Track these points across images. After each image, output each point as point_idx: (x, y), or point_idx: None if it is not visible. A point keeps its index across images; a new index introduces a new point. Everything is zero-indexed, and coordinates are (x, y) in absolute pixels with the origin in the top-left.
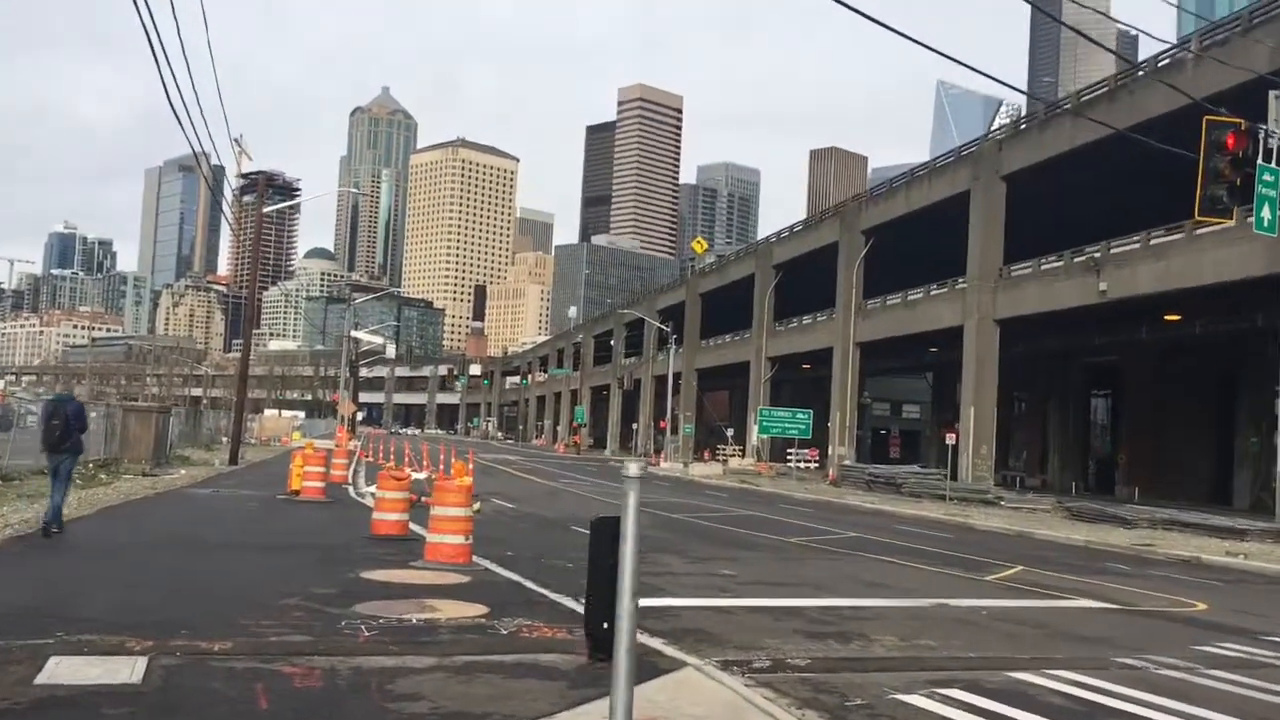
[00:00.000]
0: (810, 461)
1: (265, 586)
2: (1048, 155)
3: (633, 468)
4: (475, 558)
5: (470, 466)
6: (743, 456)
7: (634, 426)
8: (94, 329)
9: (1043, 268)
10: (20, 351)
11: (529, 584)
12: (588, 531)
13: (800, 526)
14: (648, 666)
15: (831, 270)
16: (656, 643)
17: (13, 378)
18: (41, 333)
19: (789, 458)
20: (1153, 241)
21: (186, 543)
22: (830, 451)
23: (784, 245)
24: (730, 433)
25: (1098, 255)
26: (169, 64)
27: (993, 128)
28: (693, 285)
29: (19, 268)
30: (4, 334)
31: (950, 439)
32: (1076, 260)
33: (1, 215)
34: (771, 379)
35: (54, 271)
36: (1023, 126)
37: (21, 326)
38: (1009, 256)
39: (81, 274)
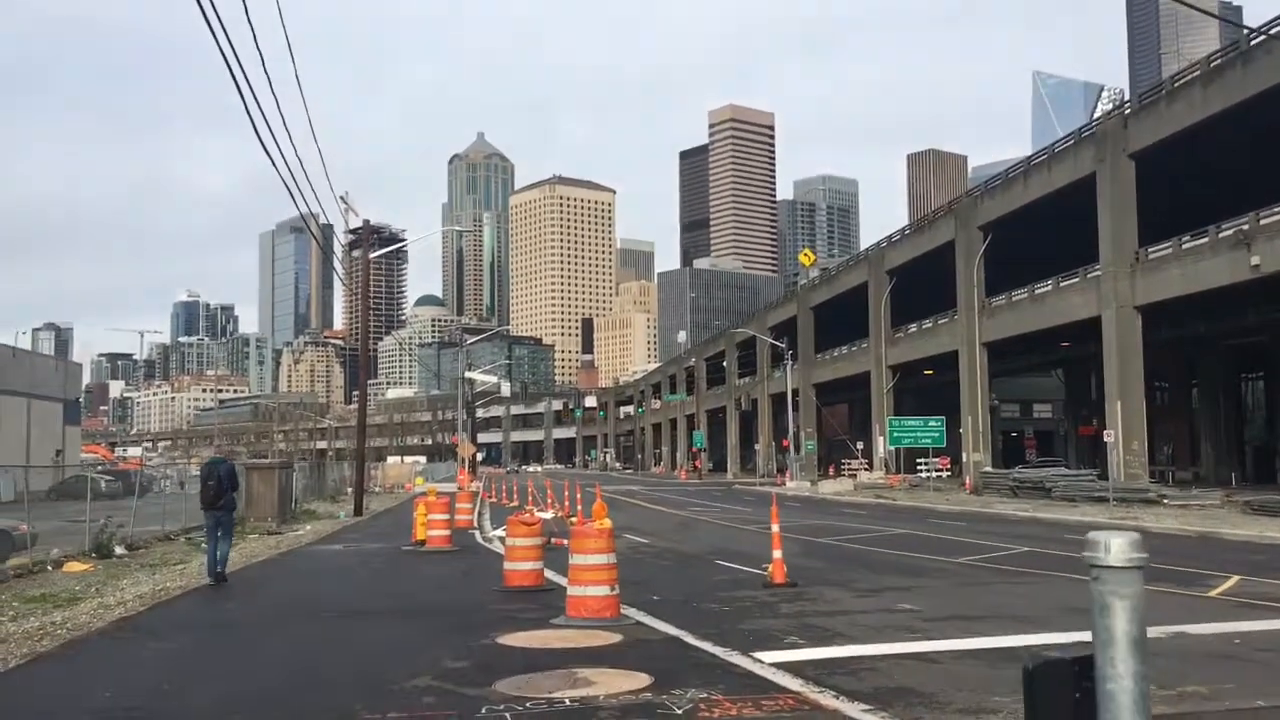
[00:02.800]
0: (942, 470)
1: (391, 662)
2: (1178, 128)
3: (1116, 545)
4: (621, 607)
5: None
6: (870, 470)
7: (755, 447)
8: (221, 391)
9: (1184, 247)
10: (155, 418)
11: (689, 638)
12: (732, 565)
13: (962, 544)
14: None
15: (948, 271)
16: (862, 712)
17: (149, 444)
18: (173, 399)
19: (920, 468)
20: None
21: (306, 611)
22: (964, 459)
23: (896, 249)
24: (860, 447)
25: (1246, 228)
26: (271, 133)
27: (1095, 115)
28: (803, 299)
29: (149, 338)
30: (139, 403)
31: (1108, 437)
32: (1223, 235)
33: (130, 288)
34: (893, 388)
35: (181, 339)
36: (1148, 101)
37: (154, 395)
38: (1142, 239)
39: (206, 339)
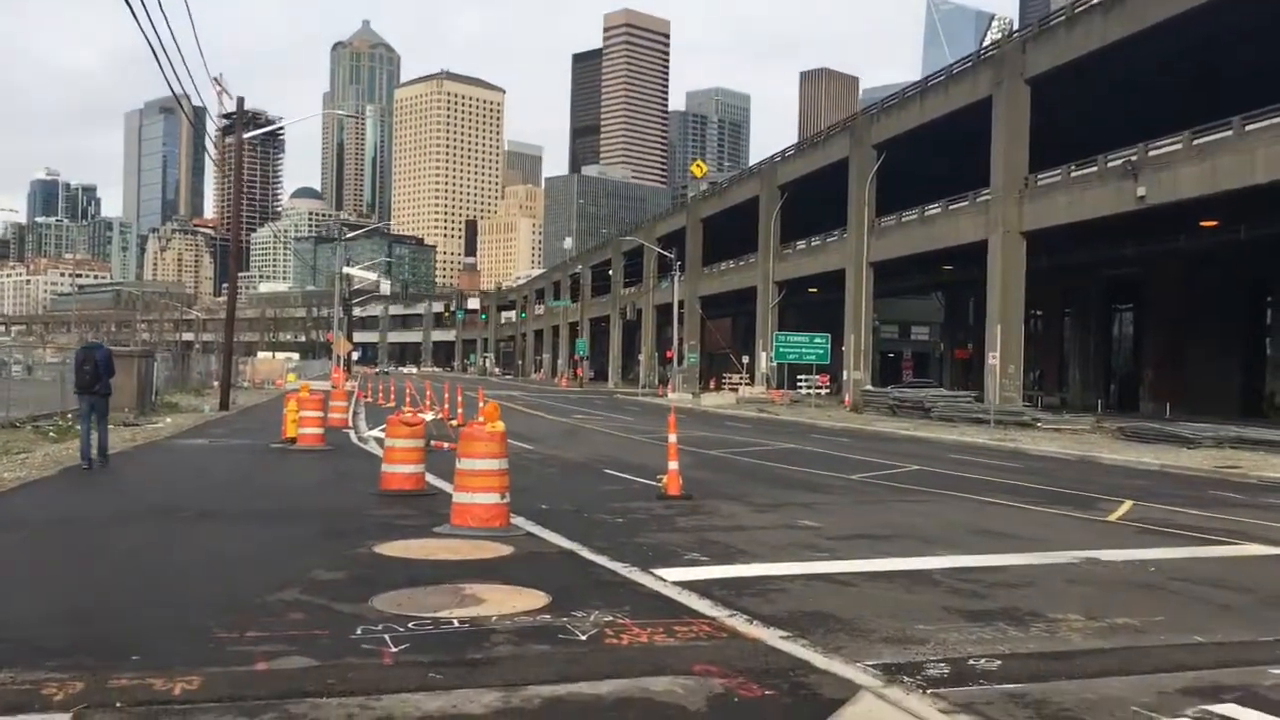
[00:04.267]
0: (822, 388)
1: (254, 572)
2: (1076, 55)
3: None
4: (511, 517)
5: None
6: (752, 385)
7: (638, 358)
8: (81, 276)
9: (1073, 175)
10: (9, 301)
11: (586, 552)
12: (623, 475)
13: (851, 461)
14: (806, 697)
15: (840, 189)
16: (781, 640)
17: (2, 328)
18: (29, 282)
19: (800, 384)
20: (1196, 142)
21: (159, 511)
22: (845, 377)
23: (789, 164)
24: (746, 361)
25: (1134, 159)
26: (144, 5)
27: (984, 43)
28: (693, 210)
29: (3, 216)
30: None
31: (991, 359)
32: (1111, 165)
33: None
34: (778, 304)
35: (38, 220)
36: (1048, 25)
37: (9, 276)
38: (1034, 166)
39: (66, 221)
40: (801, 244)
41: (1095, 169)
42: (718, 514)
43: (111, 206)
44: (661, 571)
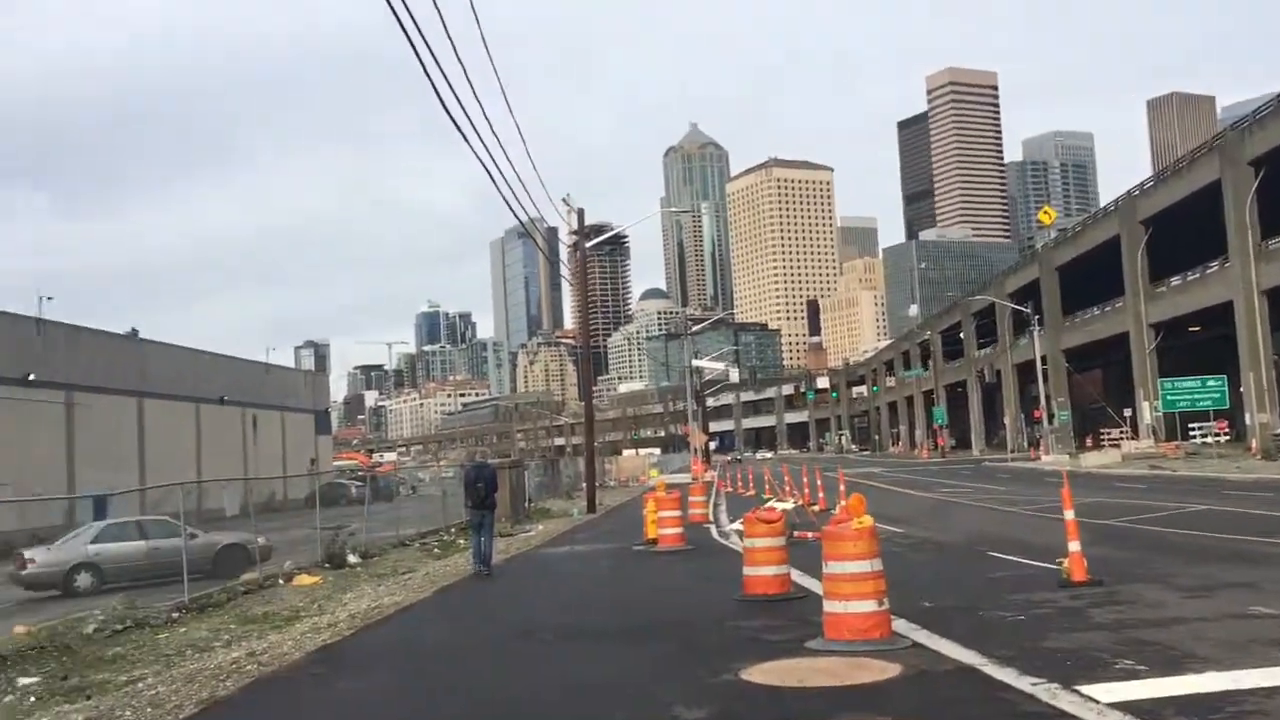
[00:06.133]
0: (1220, 435)
1: (612, 705)
2: None
3: None
4: (892, 621)
5: (850, 492)
6: (1136, 439)
7: (1003, 421)
8: (464, 395)
9: None
10: (406, 424)
11: (989, 667)
12: (1011, 558)
13: None
14: None
15: (1212, 216)
16: None
17: (403, 449)
18: (421, 405)
19: (1194, 434)
20: None
21: (519, 634)
22: (1248, 421)
23: (1149, 198)
24: (1128, 415)
25: None
26: (485, 146)
27: None
28: (1045, 260)
29: (396, 349)
30: (391, 410)
31: None
32: None
33: (378, 302)
34: (1155, 348)
35: (425, 348)
36: None
37: (404, 402)
38: None
39: (448, 346)
40: (1175, 280)
41: None
42: (1140, 602)
43: (485, 328)
44: (1091, 689)
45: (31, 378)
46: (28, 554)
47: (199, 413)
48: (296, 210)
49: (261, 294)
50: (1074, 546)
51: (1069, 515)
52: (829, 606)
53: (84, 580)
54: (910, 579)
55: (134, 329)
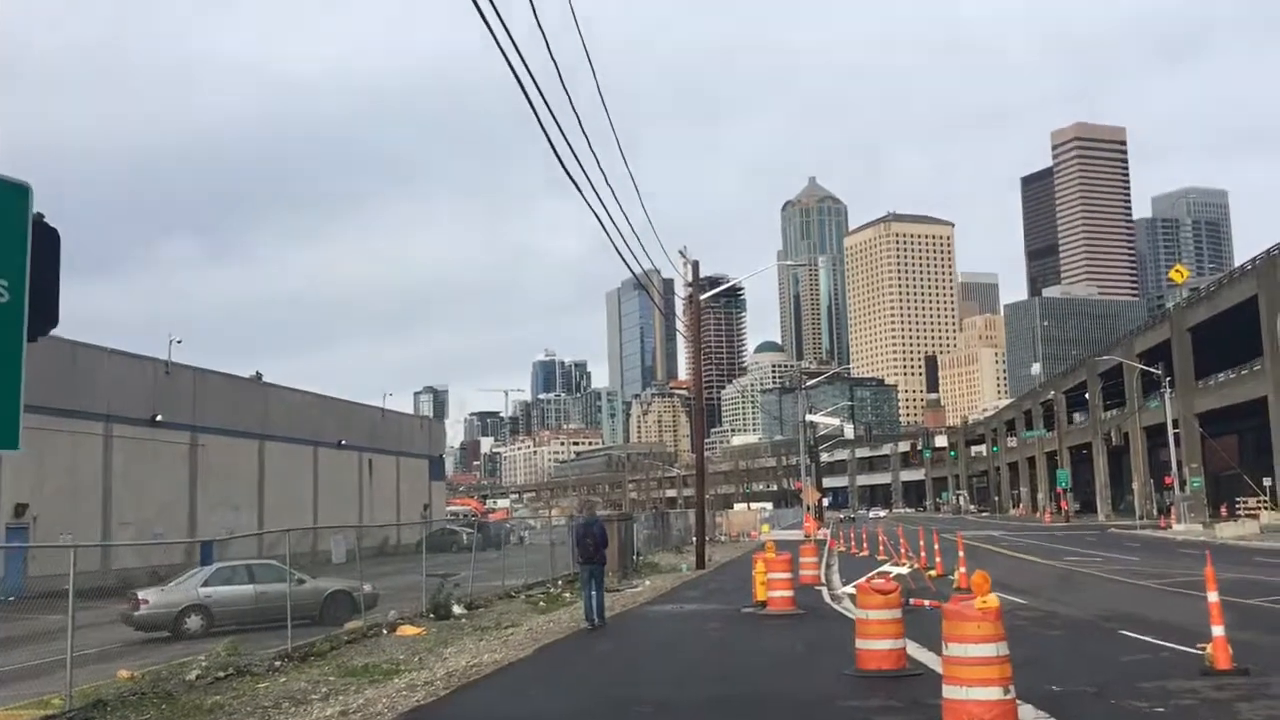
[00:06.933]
0: None
1: None
2: None
3: None
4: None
5: (969, 556)
6: (1274, 509)
7: (1133, 486)
8: (577, 444)
9: None
10: (520, 471)
11: None
12: (1145, 638)
13: None
14: None
15: None
16: None
17: (516, 496)
18: (535, 452)
19: None
20: None
21: (616, 705)
22: None
23: None
24: (1268, 484)
25: None
26: (601, 201)
27: None
28: (1178, 320)
29: (513, 396)
30: (505, 457)
31: None
32: None
33: (497, 350)
34: None
35: (540, 396)
36: None
37: (519, 449)
38: None
39: (563, 395)
40: None
41: None
42: None
43: (599, 378)
44: None
45: (158, 419)
46: (142, 594)
47: (317, 456)
48: (421, 259)
49: (383, 339)
50: (1218, 631)
51: (1213, 597)
52: (948, 691)
53: (194, 623)
54: (1036, 658)
55: (258, 372)
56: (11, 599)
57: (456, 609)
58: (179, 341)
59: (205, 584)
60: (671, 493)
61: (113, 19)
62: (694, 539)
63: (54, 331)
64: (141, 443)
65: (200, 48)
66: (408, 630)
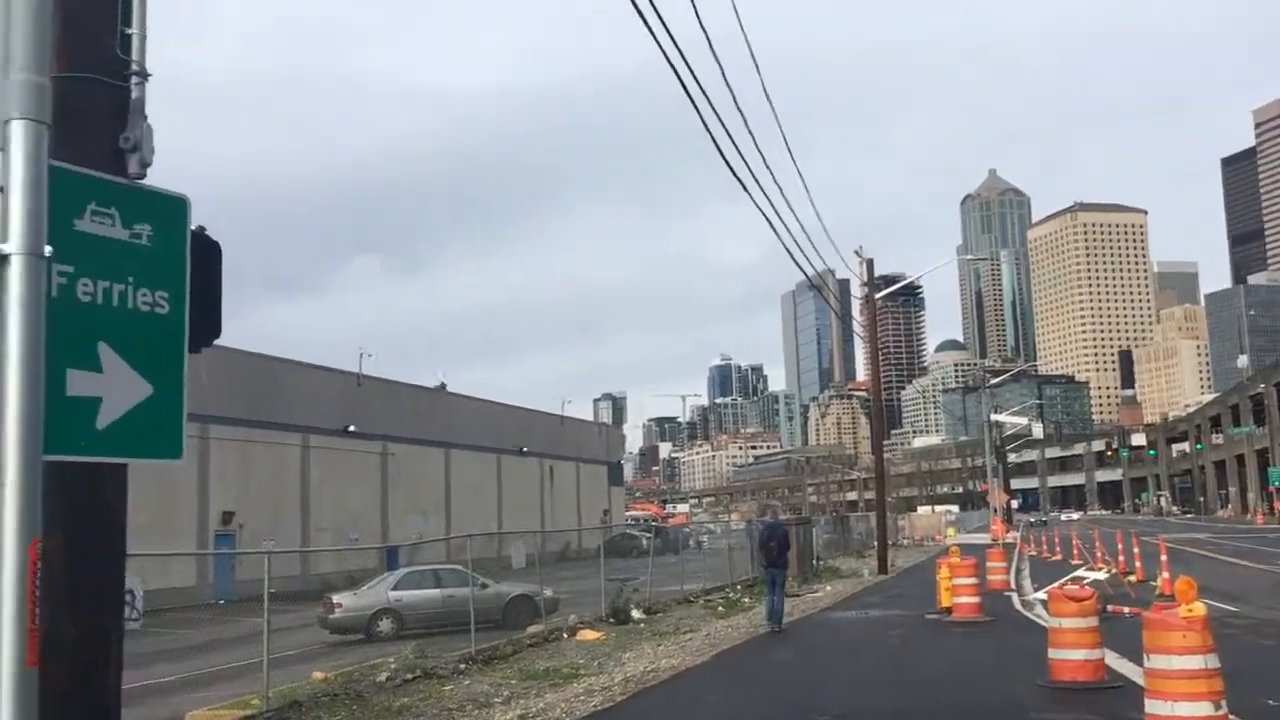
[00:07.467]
0: None
1: None
2: None
3: None
4: None
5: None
6: None
7: None
8: (755, 448)
9: None
10: (699, 476)
11: None
12: None
13: None
14: None
15: None
16: None
17: (695, 500)
18: (713, 457)
19: None
20: None
21: (796, 710)
22: None
23: None
24: None
25: None
26: (772, 205)
27: None
28: None
29: (690, 401)
30: (684, 462)
31: None
32: None
33: (674, 356)
34: None
35: (717, 400)
36: None
37: (697, 454)
38: None
39: (740, 399)
40: None
41: None
42: None
43: (776, 381)
44: None
45: (351, 429)
46: (335, 598)
47: (500, 463)
48: (598, 267)
49: (559, 349)
50: None
51: None
52: (1151, 706)
53: (385, 626)
54: (1248, 669)
55: (443, 383)
56: (221, 602)
57: (635, 613)
58: (370, 355)
59: (395, 588)
60: (852, 496)
61: (285, 50)
62: (875, 543)
63: (255, 348)
64: (336, 452)
65: (372, 68)
66: (587, 634)
